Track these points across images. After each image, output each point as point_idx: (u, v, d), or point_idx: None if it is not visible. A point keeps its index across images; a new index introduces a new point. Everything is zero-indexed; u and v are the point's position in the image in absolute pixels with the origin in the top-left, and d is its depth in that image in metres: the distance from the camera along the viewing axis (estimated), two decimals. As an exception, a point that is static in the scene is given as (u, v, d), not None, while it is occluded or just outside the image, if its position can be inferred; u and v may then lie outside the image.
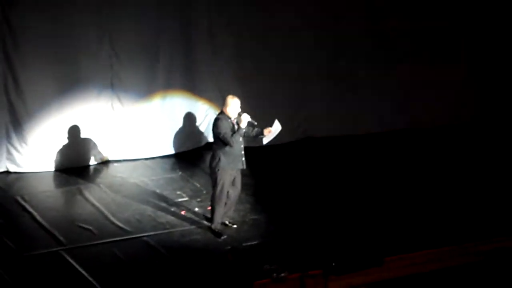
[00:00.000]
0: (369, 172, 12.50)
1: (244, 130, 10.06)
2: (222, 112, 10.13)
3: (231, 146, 9.96)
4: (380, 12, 13.86)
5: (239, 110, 10.07)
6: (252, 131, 10.27)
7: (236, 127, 10.04)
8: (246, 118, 10.02)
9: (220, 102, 12.96)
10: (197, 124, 13.18)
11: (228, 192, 10.22)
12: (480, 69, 14.65)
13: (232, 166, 10.10)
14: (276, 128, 10.20)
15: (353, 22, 13.76)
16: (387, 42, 13.99)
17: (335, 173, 12.47)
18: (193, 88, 13.08)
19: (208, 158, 12.63)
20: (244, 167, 10.22)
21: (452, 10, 14.26)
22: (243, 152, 10.13)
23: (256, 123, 10.14)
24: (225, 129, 9.96)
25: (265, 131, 10.19)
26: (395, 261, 9.62)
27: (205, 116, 13.22)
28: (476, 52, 14.55)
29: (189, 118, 13.06)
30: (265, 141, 10.28)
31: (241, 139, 10.10)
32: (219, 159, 10.05)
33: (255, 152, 10.29)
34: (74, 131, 12.19)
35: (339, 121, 13.98)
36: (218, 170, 10.07)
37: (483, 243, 10.06)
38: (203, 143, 13.30)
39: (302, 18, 13.46)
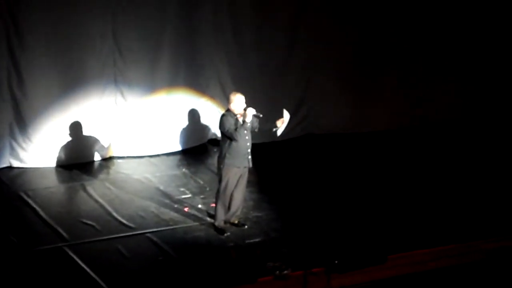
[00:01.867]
0: (371, 170, 12.49)
1: (249, 124, 10.00)
2: (227, 110, 10.11)
3: (236, 140, 9.92)
4: (378, 13, 13.90)
5: (244, 105, 10.01)
6: (258, 124, 10.17)
7: (241, 122, 10.01)
8: (251, 112, 9.96)
9: (222, 98, 13.00)
10: (200, 121, 13.17)
11: (232, 192, 10.20)
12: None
13: (237, 163, 10.05)
14: (286, 117, 10.12)
15: (354, 21, 13.79)
16: (388, 41, 14.03)
17: (337, 170, 12.46)
18: (196, 84, 13.07)
19: (212, 155, 12.77)
20: (250, 165, 10.13)
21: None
22: (249, 150, 10.06)
23: (261, 116, 10.03)
24: (229, 124, 9.93)
25: (278, 123, 10.11)
26: (398, 259, 9.64)
27: (208, 113, 13.21)
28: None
29: (192, 115, 13.05)
30: (279, 132, 10.17)
31: (247, 137, 10.03)
32: (224, 156, 10.02)
33: (256, 149, 10.25)
34: (77, 127, 12.19)
35: (340, 118, 14.01)
36: (223, 167, 10.03)
37: (486, 242, 10.09)
38: (206, 140, 13.32)
39: (305, 15, 13.50)
